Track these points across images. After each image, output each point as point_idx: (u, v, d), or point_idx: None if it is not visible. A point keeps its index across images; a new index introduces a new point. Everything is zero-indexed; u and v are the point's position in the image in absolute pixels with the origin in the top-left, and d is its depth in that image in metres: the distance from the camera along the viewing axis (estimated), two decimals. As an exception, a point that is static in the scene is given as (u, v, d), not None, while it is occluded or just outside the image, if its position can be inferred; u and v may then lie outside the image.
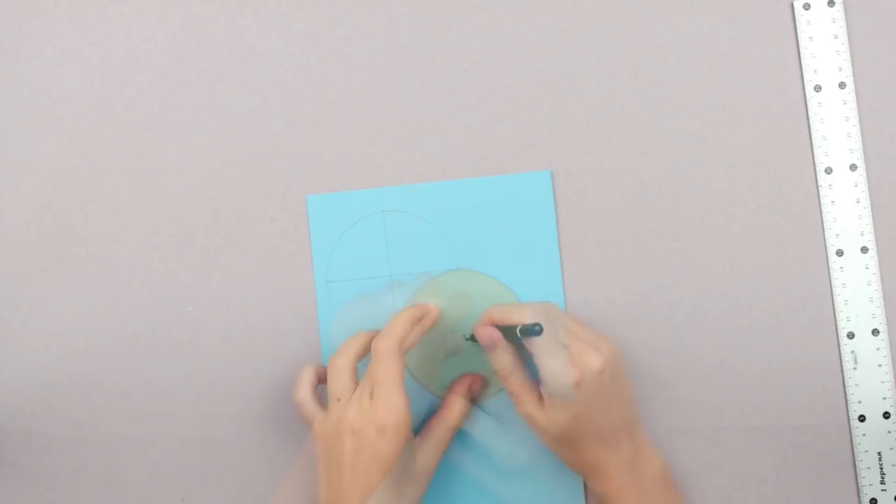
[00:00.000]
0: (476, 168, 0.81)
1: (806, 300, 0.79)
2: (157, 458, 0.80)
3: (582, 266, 0.80)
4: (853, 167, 0.80)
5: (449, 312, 0.79)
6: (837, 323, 0.79)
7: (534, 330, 0.71)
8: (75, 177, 0.81)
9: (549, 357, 0.72)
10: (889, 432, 0.79)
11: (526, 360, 0.75)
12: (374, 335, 0.75)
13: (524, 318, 0.72)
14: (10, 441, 0.80)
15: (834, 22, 0.81)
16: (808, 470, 0.79)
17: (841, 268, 0.80)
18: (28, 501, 0.80)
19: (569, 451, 0.73)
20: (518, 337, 0.72)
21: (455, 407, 0.77)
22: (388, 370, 0.72)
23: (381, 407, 0.71)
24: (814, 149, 0.80)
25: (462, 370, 0.79)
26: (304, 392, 0.75)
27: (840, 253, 0.80)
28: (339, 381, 0.73)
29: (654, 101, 0.81)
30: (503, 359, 0.74)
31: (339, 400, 0.73)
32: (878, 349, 0.79)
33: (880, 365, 0.79)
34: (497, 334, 0.74)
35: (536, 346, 0.72)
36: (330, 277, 0.80)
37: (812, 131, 0.80)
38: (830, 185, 0.80)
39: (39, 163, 0.82)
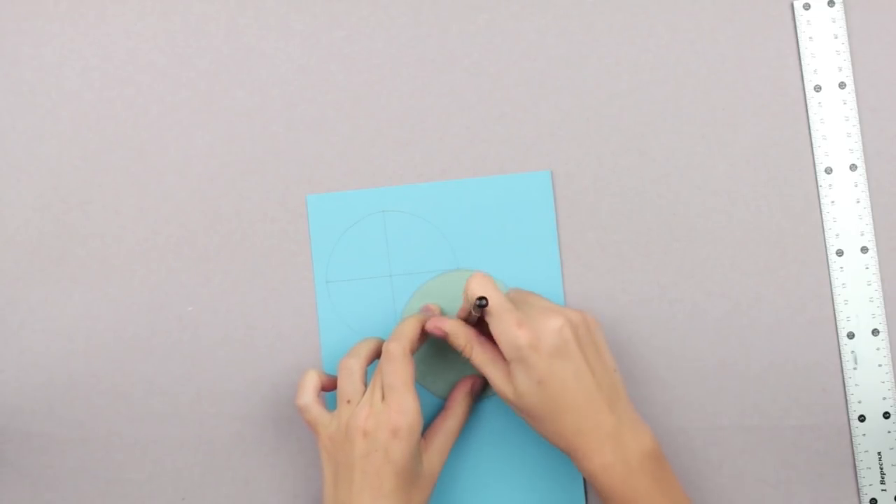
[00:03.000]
0: (476, 168, 0.81)
1: (806, 300, 0.79)
2: (157, 458, 0.80)
3: (582, 266, 0.80)
4: (853, 167, 0.80)
5: (449, 313, 0.79)
6: (837, 323, 0.79)
7: (481, 304, 0.71)
8: (75, 177, 0.81)
9: (499, 321, 0.71)
10: (889, 432, 0.79)
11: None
12: (382, 340, 0.76)
13: (475, 291, 0.72)
14: (10, 441, 0.80)
15: (834, 22, 0.81)
16: (808, 470, 0.79)
17: (841, 268, 0.80)
18: (28, 501, 0.80)
19: (545, 424, 0.71)
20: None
21: (458, 409, 0.77)
22: (400, 372, 0.72)
23: (394, 409, 0.71)
24: (814, 149, 0.80)
25: (463, 371, 0.79)
26: (309, 395, 0.75)
27: (840, 253, 0.80)
28: (351, 382, 0.73)
29: (654, 101, 0.81)
30: (458, 338, 0.74)
31: (349, 402, 0.73)
32: (878, 349, 0.79)
33: (880, 365, 0.79)
34: (441, 324, 0.74)
35: (488, 316, 0.72)
36: (330, 277, 0.80)
37: (812, 131, 0.80)
38: (830, 185, 0.80)
39: (39, 163, 0.82)
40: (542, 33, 0.81)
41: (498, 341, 0.71)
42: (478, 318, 0.74)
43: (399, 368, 0.72)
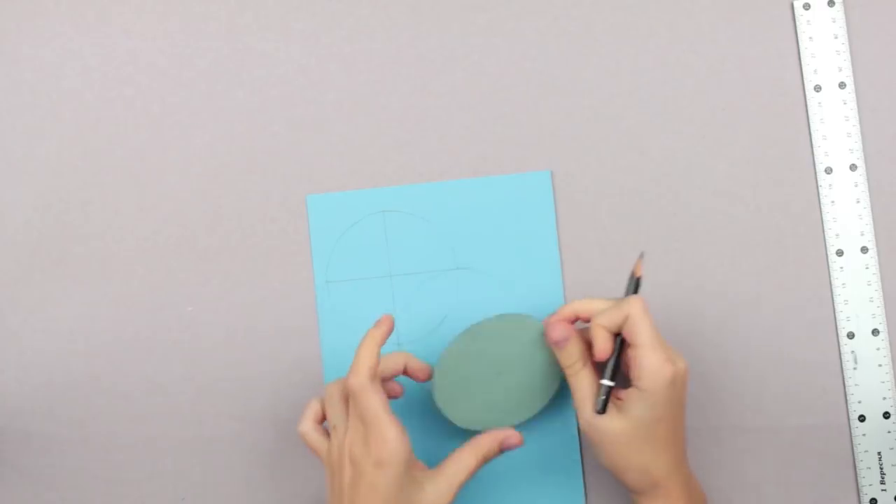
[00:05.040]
0: (476, 168, 0.81)
1: (806, 300, 0.79)
2: (157, 458, 0.80)
3: (582, 266, 0.80)
4: (853, 167, 0.80)
5: (491, 355, 0.76)
6: (837, 323, 0.79)
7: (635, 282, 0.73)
8: (75, 177, 0.81)
9: (653, 351, 0.69)
10: (889, 432, 0.79)
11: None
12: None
13: (639, 322, 0.70)
14: (10, 441, 0.80)
15: (834, 22, 0.81)
16: (808, 470, 0.79)
17: (841, 268, 0.80)
18: (28, 501, 0.80)
19: (639, 456, 0.71)
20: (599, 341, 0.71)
21: (483, 450, 0.73)
22: (368, 405, 0.69)
23: (374, 443, 0.69)
24: (814, 149, 0.80)
25: (486, 400, 0.76)
26: (307, 423, 0.73)
27: (840, 253, 0.80)
28: (333, 409, 0.72)
29: (654, 101, 0.81)
30: (572, 352, 0.72)
31: (335, 428, 0.72)
32: (878, 349, 0.79)
33: (880, 365, 0.79)
34: (570, 331, 0.72)
35: (641, 335, 0.70)
36: (330, 277, 0.80)
37: (812, 131, 0.80)
38: (830, 185, 0.80)
39: (39, 163, 0.82)
40: (542, 33, 0.81)
41: (641, 368, 0.69)
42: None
43: (366, 402, 0.69)
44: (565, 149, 0.81)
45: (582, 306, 0.73)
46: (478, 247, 0.80)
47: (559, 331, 0.72)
